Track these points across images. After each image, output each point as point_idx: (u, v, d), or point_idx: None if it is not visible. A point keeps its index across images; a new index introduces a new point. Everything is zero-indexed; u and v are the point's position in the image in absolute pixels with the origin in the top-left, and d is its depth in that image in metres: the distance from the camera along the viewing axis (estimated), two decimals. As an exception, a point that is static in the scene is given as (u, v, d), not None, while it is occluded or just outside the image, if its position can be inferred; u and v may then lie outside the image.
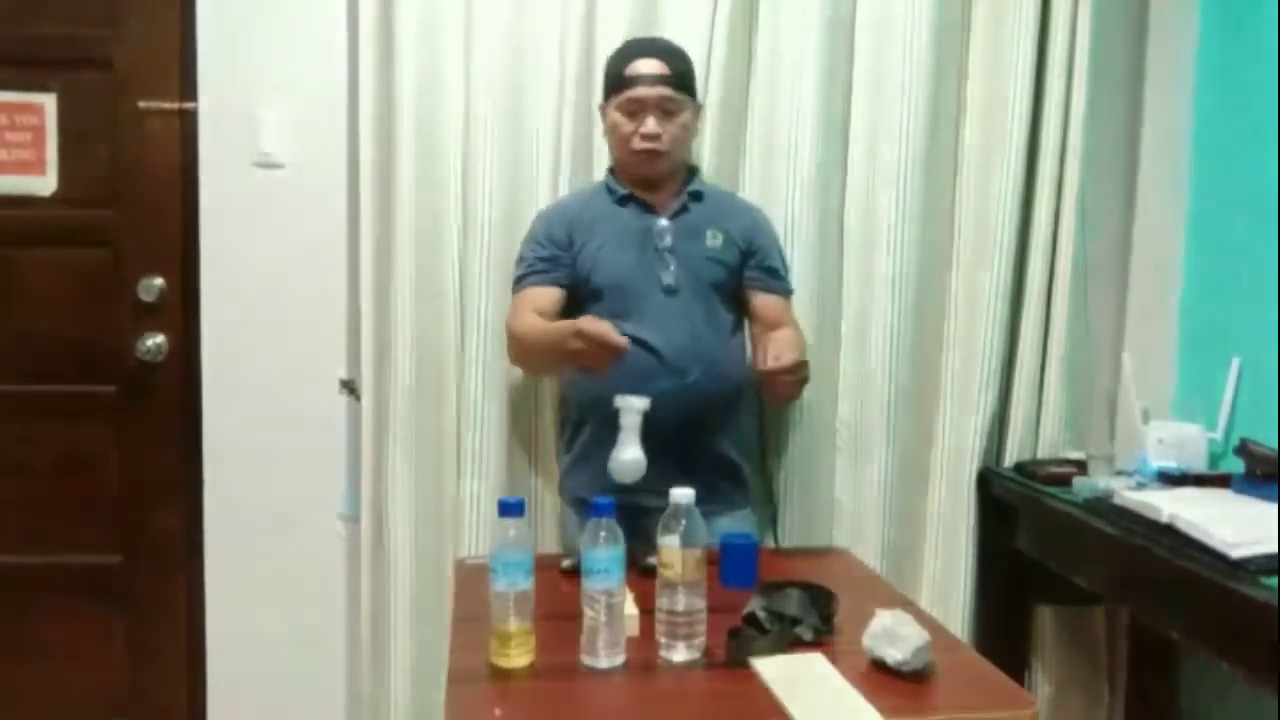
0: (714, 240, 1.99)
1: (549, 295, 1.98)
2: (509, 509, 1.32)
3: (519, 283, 2.01)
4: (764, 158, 2.25)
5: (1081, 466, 2.13)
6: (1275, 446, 1.96)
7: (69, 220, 2.30)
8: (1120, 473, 2.07)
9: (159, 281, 2.30)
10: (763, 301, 2.04)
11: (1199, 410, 2.18)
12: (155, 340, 2.30)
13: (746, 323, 2.07)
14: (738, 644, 1.34)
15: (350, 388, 2.30)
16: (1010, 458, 2.32)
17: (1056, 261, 2.29)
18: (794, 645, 1.36)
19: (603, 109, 2.02)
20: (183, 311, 2.31)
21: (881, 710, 1.18)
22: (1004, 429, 2.33)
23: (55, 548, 2.33)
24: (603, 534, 1.30)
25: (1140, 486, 1.95)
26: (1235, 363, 2.16)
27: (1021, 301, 2.31)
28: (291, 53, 2.25)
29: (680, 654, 1.32)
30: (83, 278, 2.30)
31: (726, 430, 1.96)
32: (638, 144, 1.94)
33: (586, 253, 1.97)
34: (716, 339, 1.97)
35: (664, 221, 1.98)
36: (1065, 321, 2.28)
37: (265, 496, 2.30)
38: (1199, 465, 2.08)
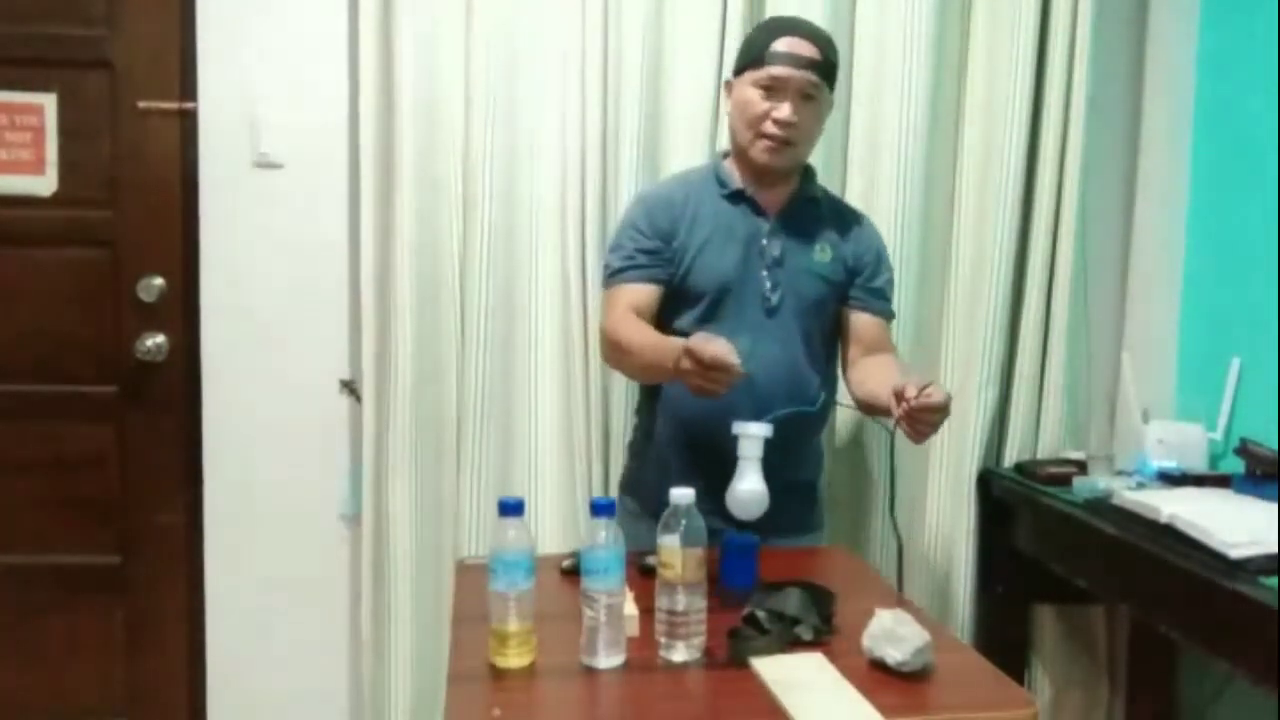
0: (822, 255, 1.85)
1: (648, 294, 1.81)
2: (509, 509, 1.32)
3: (616, 275, 1.83)
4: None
5: (1081, 466, 2.13)
6: (1275, 446, 1.96)
7: (69, 220, 2.29)
8: (1120, 473, 2.08)
9: (159, 281, 2.30)
10: (863, 323, 1.88)
11: (1199, 410, 2.18)
12: (155, 340, 2.30)
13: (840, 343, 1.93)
14: (738, 644, 1.34)
15: (350, 388, 2.30)
16: (1010, 458, 2.32)
17: (1056, 261, 2.30)
18: (794, 645, 1.36)
19: (729, 83, 1.87)
20: (183, 311, 2.31)
21: (881, 710, 1.18)
22: (1004, 429, 2.34)
23: (55, 548, 2.33)
24: (602, 534, 1.30)
25: (1140, 486, 1.95)
26: (1235, 363, 2.16)
27: (1021, 301, 2.31)
28: (291, 53, 2.25)
29: (680, 654, 1.32)
30: (83, 278, 2.30)
31: (805, 456, 1.88)
32: (769, 128, 1.77)
33: (688, 251, 1.81)
34: (811, 368, 1.84)
35: (771, 228, 1.83)
36: (1065, 321, 2.29)
37: (265, 497, 2.30)
38: (1199, 465, 2.08)
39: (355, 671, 2.32)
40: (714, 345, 1.48)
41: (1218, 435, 2.15)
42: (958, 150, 2.32)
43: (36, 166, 2.27)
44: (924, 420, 1.54)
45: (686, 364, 1.50)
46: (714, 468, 1.61)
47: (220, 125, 2.24)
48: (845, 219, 1.93)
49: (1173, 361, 2.37)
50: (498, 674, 1.29)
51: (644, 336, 1.72)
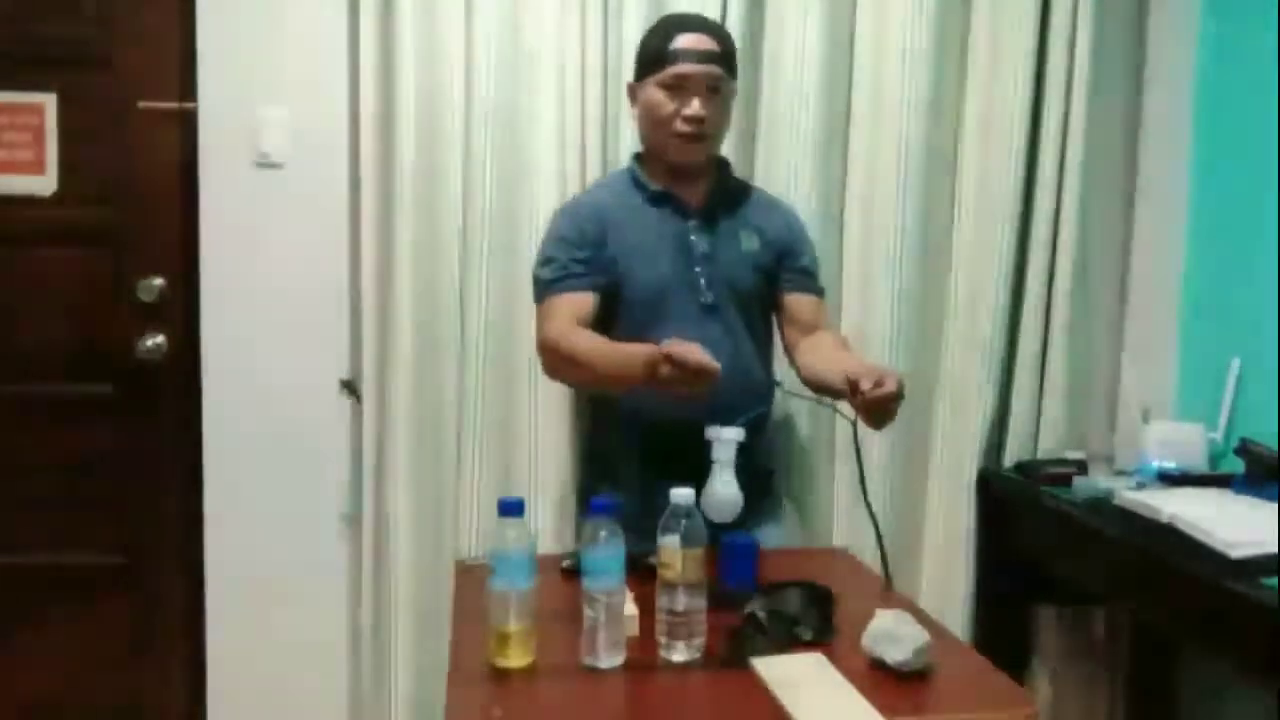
0: (749, 243, 1.87)
1: (587, 302, 1.78)
2: (509, 509, 1.32)
3: (550, 286, 1.80)
4: (766, 156, 2.25)
5: (1081, 466, 2.13)
6: (1275, 446, 1.96)
7: (69, 220, 2.29)
8: (1120, 473, 2.08)
9: (159, 281, 2.30)
10: (798, 303, 1.91)
11: (1199, 410, 2.18)
12: (155, 340, 2.30)
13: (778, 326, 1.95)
14: (738, 644, 1.34)
15: (350, 388, 2.29)
16: (1010, 458, 2.32)
17: (1056, 261, 2.30)
18: (794, 645, 1.36)
19: (633, 88, 1.88)
20: (183, 311, 2.30)
21: (881, 710, 1.18)
22: (1004, 429, 2.34)
23: (56, 548, 2.33)
24: (602, 534, 1.30)
25: (1140, 486, 1.96)
26: (1235, 363, 2.16)
27: (1021, 301, 2.31)
28: (291, 53, 2.25)
29: (680, 654, 1.32)
30: (83, 278, 2.30)
31: (759, 445, 1.85)
32: (680, 126, 1.79)
33: (618, 258, 1.81)
34: (756, 358, 1.87)
35: (697, 225, 1.84)
36: (1065, 321, 2.29)
37: (265, 497, 2.30)
38: (1199, 465, 2.08)
39: (355, 671, 2.31)
40: (693, 349, 1.48)
41: (1218, 435, 2.15)
42: (958, 150, 2.32)
43: (36, 166, 2.27)
44: (881, 410, 1.56)
45: (667, 370, 1.48)
46: (671, 474, 1.45)
47: (220, 125, 2.24)
48: (763, 204, 1.96)
49: (1173, 361, 2.37)
50: (498, 674, 1.29)
51: (600, 346, 1.70)
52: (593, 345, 1.71)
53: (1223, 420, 2.16)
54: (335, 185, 2.27)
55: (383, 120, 2.17)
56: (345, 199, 2.26)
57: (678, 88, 1.78)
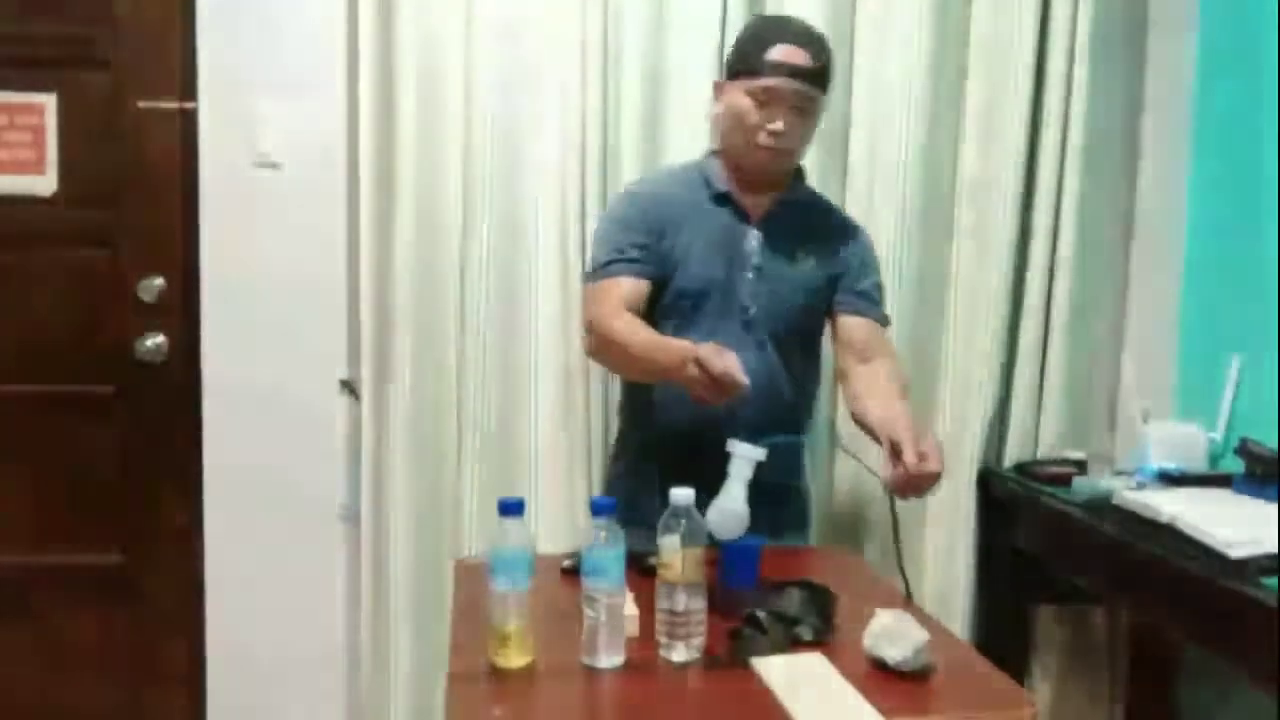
0: (805, 262, 1.81)
1: (639, 289, 1.75)
2: (509, 509, 1.32)
3: (605, 268, 1.76)
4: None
5: (1081, 466, 2.13)
6: (1275, 446, 1.96)
7: (69, 220, 2.29)
8: (1120, 473, 2.08)
9: (159, 281, 2.30)
10: (852, 326, 1.82)
11: (1199, 410, 2.18)
12: (155, 340, 2.30)
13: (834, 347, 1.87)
14: (738, 644, 1.34)
15: (350, 388, 2.29)
16: (1010, 458, 2.32)
17: (1056, 261, 2.30)
18: (794, 645, 1.36)
19: (720, 85, 1.81)
20: (183, 311, 2.30)
21: (881, 710, 1.18)
22: (1004, 429, 2.34)
23: (55, 547, 2.33)
24: (602, 534, 1.30)
25: (1140, 486, 1.95)
26: (1235, 363, 2.16)
27: (1021, 302, 2.31)
28: (291, 53, 2.25)
29: (680, 654, 1.32)
30: (83, 278, 2.30)
31: (778, 465, 1.69)
32: (763, 139, 1.72)
33: (673, 253, 1.77)
34: (788, 382, 1.80)
35: (754, 234, 1.79)
36: (1065, 321, 2.29)
37: (265, 496, 2.30)
38: (1199, 465, 2.08)
39: (355, 672, 2.31)
40: (725, 358, 1.46)
41: (1218, 435, 2.15)
42: (958, 149, 2.32)
43: (36, 166, 2.27)
44: (917, 487, 1.51)
45: (694, 371, 1.48)
46: (693, 477, 1.45)
47: (220, 125, 2.24)
48: (830, 223, 1.89)
49: (1173, 361, 2.37)
50: (498, 674, 1.29)
51: (642, 333, 1.68)
52: (632, 329, 1.68)
53: (1222, 420, 2.16)
54: (335, 185, 2.27)
55: (382, 120, 2.17)
56: (344, 199, 2.26)
57: (766, 101, 1.71)
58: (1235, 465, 2.04)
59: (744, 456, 1.53)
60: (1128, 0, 2.37)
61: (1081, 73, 2.25)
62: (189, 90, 2.26)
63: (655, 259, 1.77)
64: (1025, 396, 2.31)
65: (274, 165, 2.26)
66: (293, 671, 2.33)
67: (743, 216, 1.81)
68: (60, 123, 2.27)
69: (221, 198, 2.25)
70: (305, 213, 2.27)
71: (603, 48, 2.17)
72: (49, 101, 2.26)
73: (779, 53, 1.70)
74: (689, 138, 2.21)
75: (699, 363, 1.47)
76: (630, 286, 1.75)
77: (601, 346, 1.75)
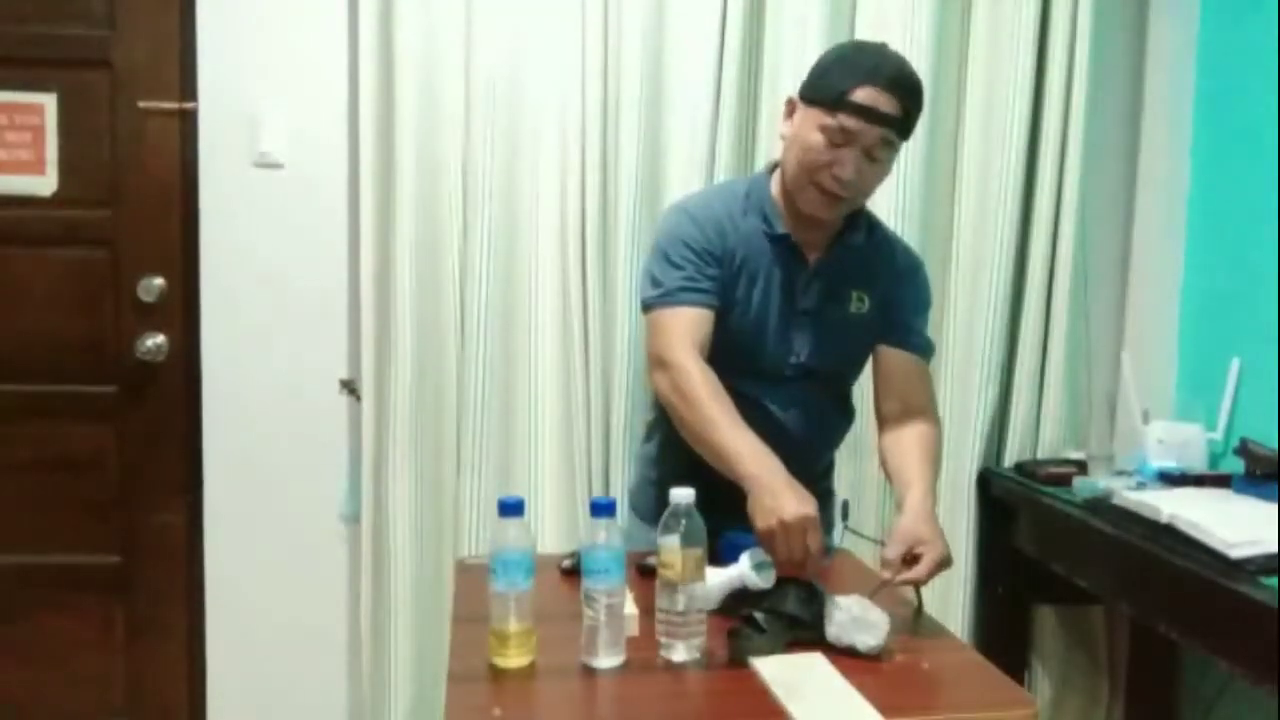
0: (858, 305, 1.69)
1: (707, 322, 1.60)
2: (509, 509, 1.32)
3: (670, 296, 1.60)
4: (766, 158, 2.25)
5: (1081, 466, 2.13)
6: (1275, 446, 1.96)
7: (69, 220, 2.29)
8: (1120, 473, 2.08)
9: (159, 281, 2.30)
10: (893, 360, 1.72)
11: (1199, 410, 2.18)
12: (155, 340, 2.30)
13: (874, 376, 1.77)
14: (738, 644, 1.34)
15: (350, 388, 2.30)
16: (1010, 458, 2.32)
17: (1056, 261, 2.30)
18: (793, 645, 1.36)
19: (794, 105, 1.64)
20: (183, 311, 2.31)
21: (881, 710, 1.18)
22: (1004, 429, 2.34)
23: (55, 548, 2.33)
24: (602, 534, 1.30)
25: (1140, 486, 1.95)
26: (1235, 363, 2.16)
27: (1021, 301, 2.32)
28: (291, 53, 2.25)
29: (680, 654, 1.32)
30: (83, 278, 2.30)
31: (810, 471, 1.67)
32: (827, 183, 1.57)
33: (735, 288, 1.64)
34: (819, 436, 1.74)
35: (812, 280, 1.67)
36: (1065, 321, 2.29)
37: (265, 496, 2.30)
38: (1199, 465, 2.08)
39: (355, 672, 2.31)
40: (811, 524, 1.40)
41: (1218, 435, 2.15)
42: (957, 149, 2.32)
43: (36, 166, 2.27)
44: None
45: (773, 524, 1.40)
46: (718, 489, 1.45)
47: (220, 125, 2.24)
48: (883, 256, 1.74)
49: (1173, 361, 2.37)
50: (498, 674, 1.29)
51: (720, 408, 1.52)
52: (714, 402, 1.53)
53: (1222, 420, 2.16)
54: (335, 185, 2.27)
55: (382, 120, 2.17)
56: (344, 198, 2.26)
57: (839, 142, 1.55)
58: (1235, 465, 2.04)
59: (749, 578, 1.42)
60: (1128, 4, 2.38)
61: (1081, 72, 2.25)
62: (189, 90, 2.26)
63: (721, 289, 1.63)
64: (1025, 396, 2.31)
65: (274, 165, 2.26)
66: (293, 671, 2.33)
67: (801, 258, 1.68)
68: (60, 123, 2.27)
69: (221, 198, 2.25)
70: (305, 213, 2.27)
71: (603, 48, 2.17)
72: (49, 101, 2.26)
73: (864, 95, 1.54)
74: (689, 138, 2.22)
75: (784, 526, 1.40)
76: (699, 319, 1.61)
77: (672, 393, 1.58)
